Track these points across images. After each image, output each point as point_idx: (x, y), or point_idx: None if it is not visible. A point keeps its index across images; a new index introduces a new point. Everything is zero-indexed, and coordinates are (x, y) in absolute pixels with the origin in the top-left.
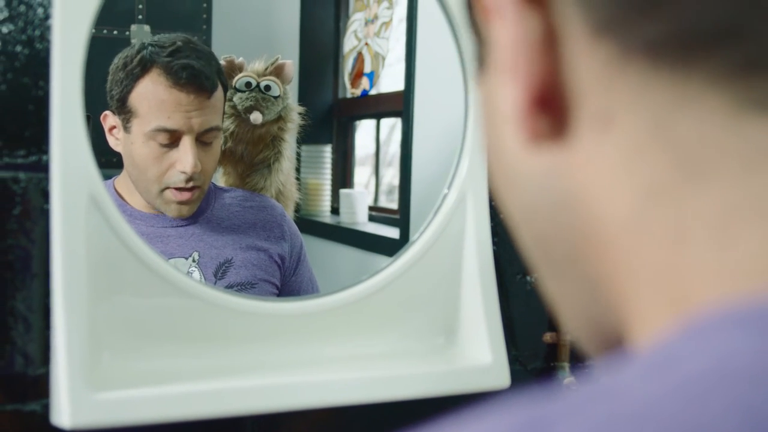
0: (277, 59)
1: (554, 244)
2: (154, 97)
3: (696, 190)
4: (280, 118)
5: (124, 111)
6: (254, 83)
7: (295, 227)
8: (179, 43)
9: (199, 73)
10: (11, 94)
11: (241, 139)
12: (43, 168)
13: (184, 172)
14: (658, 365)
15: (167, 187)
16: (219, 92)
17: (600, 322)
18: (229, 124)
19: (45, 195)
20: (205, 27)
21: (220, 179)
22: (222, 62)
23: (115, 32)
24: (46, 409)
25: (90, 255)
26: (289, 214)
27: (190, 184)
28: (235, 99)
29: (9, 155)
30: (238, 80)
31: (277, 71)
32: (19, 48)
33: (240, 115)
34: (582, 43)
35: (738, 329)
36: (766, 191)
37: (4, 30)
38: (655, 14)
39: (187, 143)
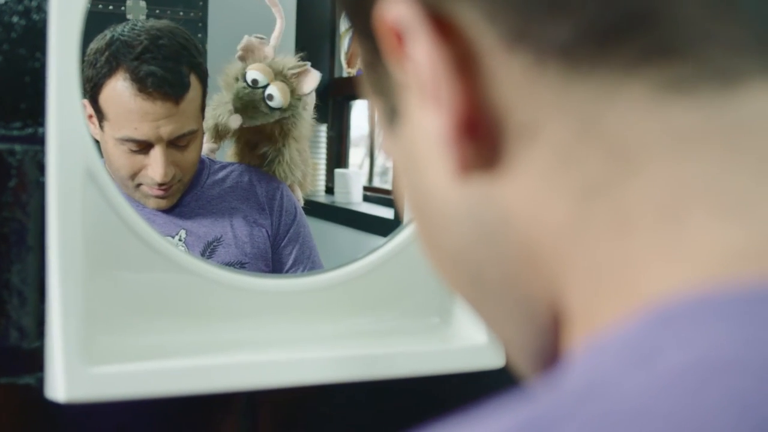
0: (306, 64)
1: (489, 274)
2: (121, 104)
3: (633, 180)
4: (281, 123)
5: (96, 109)
6: (261, 83)
7: (290, 203)
8: (146, 42)
9: (163, 82)
10: (7, 66)
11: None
12: (39, 140)
13: (154, 179)
14: (635, 356)
15: (141, 184)
16: (192, 93)
17: (538, 336)
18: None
19: (41, 168)
20: (201, 3)
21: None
22: (243, 42)
23: (111, 7)
24: (40, 382)
25: (86, 229)
26: (297, 196)
27: (164, 186)
28: (233, 89)
29: (5, 127)
30: (248, 71)
31: (300, 76)
32: (15, 18)
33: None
34: (497, 59)
35: (716, 318)
36: (702, 172)
37: (1, 0)
38: (560, 17)
39: (157, 153)
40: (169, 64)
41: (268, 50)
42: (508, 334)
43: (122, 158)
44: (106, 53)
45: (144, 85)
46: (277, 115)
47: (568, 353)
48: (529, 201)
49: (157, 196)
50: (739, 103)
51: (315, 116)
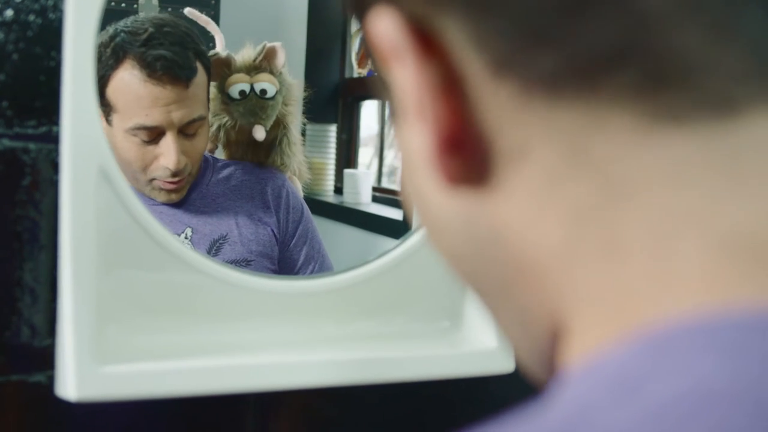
0: (264, 46)
1: (486, 280)
2: (130, 92)
3: (624, 208)
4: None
5: (103, 103)
6: (248, 89)
7: (296, 200)
8: (151, 30)
9: (173, 64)
10: (23, 64)
11: (242, 130)
12: (54, 139)
13: (167, 168)
14: (621, 386)
15: (154, 179)
16: (199, 78)
17: (536, 345)
18: (226, 117)
19: (55, 166)
20: (213, 2)
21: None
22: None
23: (123, 4)
24: (51, 380)
25: (99, 228)
26: (297, 187)
27: (176, 177)
28: (232, 109)
29: (20, 125)
30: (230, 87)
31: (269, 58)
32: (31, 17)
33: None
34: (484, 84)
35: (704, 348)
36: (696, 201)
37: None
38: (546, 48)
39: (169, 140)
40: (176, 48)
41: (227, 57)
42: (512, 336)
43: (133, 150)
44: (111, 45)
45: (153, 69)
46: (279, 101)
47: (563, 371)
48: (521, 221)
49: (169, 190)
50: (737, 132)
51: (305, 109)
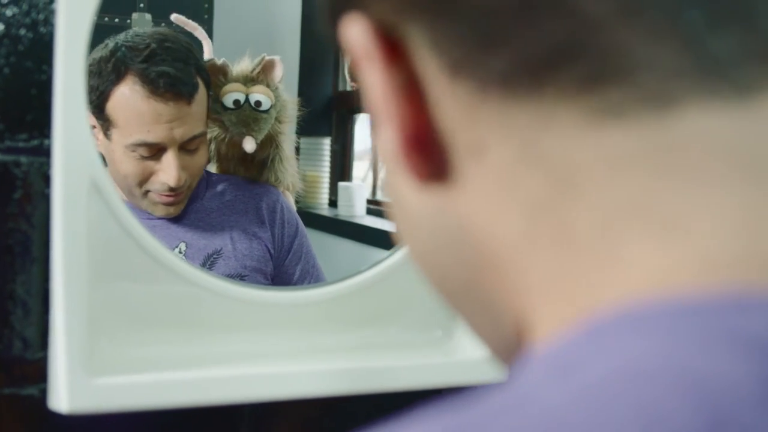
0: (263, 58)
1: (452, 277)
2: (131, 108)
3: (572, 200)
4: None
5: (102, 118)
6: (243, 99)
7: (291, 215)
8: (153, 45)
9: (176, 81)
10: (14, 78)
11: (233, 143)
12: (45, 152)
13: (167, 184)
14: (559, 369)
15: (149, 191)
16: (200, 94)
17: (505, 339)
18: (218, 130)
19: (46, 179)
20: (206, 17)
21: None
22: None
23: (117, 20)
24: (43, 393)
25: (90, 240)
26: (290, 201)
27: (174, 192)
28: (224, 118)
29: (11, 139)
30: (225, 96)
31: (266, 71)
32: (23, 31)
33: (227, 128)
34: (443, 85)
35: (638, 331)
36: (635, 192)
37: (9, 13)
38: (498, 50)
39: (170, 156)
40: (179, 65)
41: (223, 64)
42: (482, 334)
43: (131, 165)
44: (112, 60)
45: (156, 86)
46: (273, 115)
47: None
48: (482, 215)
49: (167, 203)
50: (674, 124)
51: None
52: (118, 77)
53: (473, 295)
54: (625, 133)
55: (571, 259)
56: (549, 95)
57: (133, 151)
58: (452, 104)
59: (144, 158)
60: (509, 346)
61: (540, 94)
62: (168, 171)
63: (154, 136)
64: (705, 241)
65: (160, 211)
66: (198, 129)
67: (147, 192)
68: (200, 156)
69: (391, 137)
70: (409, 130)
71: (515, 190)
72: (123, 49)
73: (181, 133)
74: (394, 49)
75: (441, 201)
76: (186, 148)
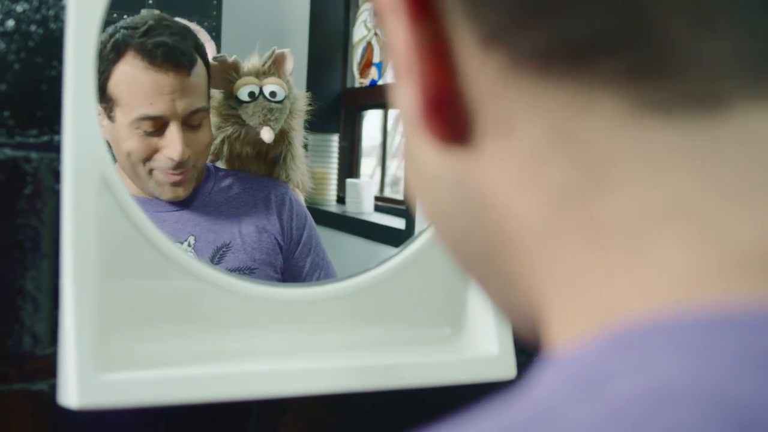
0: (273, 51)
1: (469, 243)
2: (132, 81)
3: (604, 195)
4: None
5: (105, 100)
6: (257, 91)
7: (300, 207)
8: (151, 22)
9: (174, 49)
10: (25, 74)
11: (248, 141)
12: (55, 148)
13: (172, 159)
14: (586, 384)
15: (153, 169)
16: (199, 68)
17: (519, 310)
18: (232, 128)
19: (56, 175)
20: (215, 13)
21: None
22: (214, 62)
23: (125, 16)
24: (53, 389)
25: (100, 236)
26: (300, 198)
27: (180, 169)
28: (240, 112)
29: (21, 134)
30: (239, 89)
31: (277, 64)
32: (33, 27)
33: (244, 123)
34: (473, 53)
35: (668, 346)
36: (673, 194)
37: (19, 9)
38: (537, 25)
39: (173, 130)
40: (176, 37)
41: (234, 61)
42: (497, 300)
43: (135, 142)
44: (111, 41)
45: (155, 56)
46: (288, 106)
47: (540, 358)
48: (504, 191)
49: (173, 183)
50: (722, 126)
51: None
52: (117, 55)
53: (489, 264)
54: (669, 131)
55: (597, 257)
56: (588, 81)
57: (137, 127)
58: (481, 74)
59: (148, 134)
60: (523, 317)
61: (578, 79)
62: (172, 146)
63: (157, 108)
64: (744, 252)
65: (168, 193)
66: (200, 102)
67: (151, 171)
68: (204, 133)
69: (412, 96)
70: (431, 90)
71: (542, 174)
72: (122, 30)
73: (183, 105)
74: (423, 5)
75: (461, 165)
76: (189, 123)
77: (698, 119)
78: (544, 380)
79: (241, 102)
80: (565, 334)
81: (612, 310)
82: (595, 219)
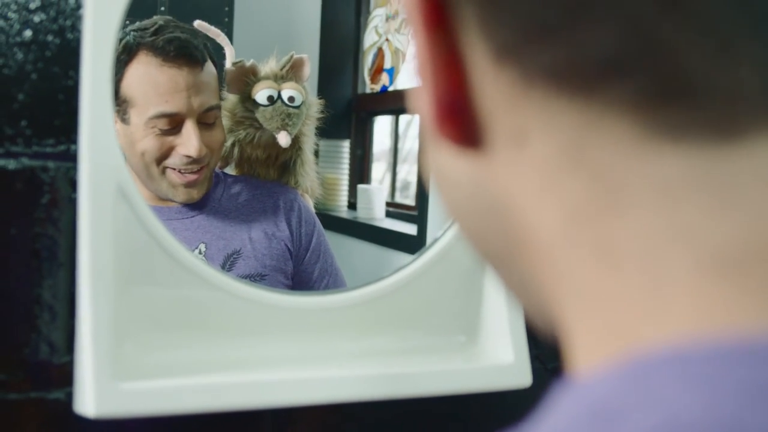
0: (292, 56)
1: (488, 242)
2: (147, 80)
3: (618, 216)
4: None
5: (118, 102)
6: (276, 95)
7: (309, 214)
8: (161, 23)
9: (186, 44)
10: (42, 83)
11: (259, 145)
12: (72, 157)
13: (188, 156)
14: (606, 417)
15: (168, 168)
16: (210, 66)
17: (538, 306)
18: (245, 131)
19: (73, 184)
20: (227, 20)
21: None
22: (231, 68)
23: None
24: (69, 397)
25: (116, 245)
26: (309, 204)
27: (196, 166)
28: (257, 115)
29: (38, 144)
30: (258, 92)
31: (296, 69)
32: (50, 37)
33: (258, 127)
34: (486, 67)
35: (682, 379)
36: (684, 221)
37: (36, 19)
38: (549, 43)
39: (189, 127)
40: (186, 34)
41: (252, 65)
42: (517, 294)
43: (151, 141)
44: (122, 43)
45: (168, 52)
46: (305, 112)
47: (555, 368)
48: (520, 200)
49: (187, 184)
50: (737, 153)
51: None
52: (129, 56)
53: (509, 263)
54: (683, 158)
55: (613, 282)
56: (600, 101)
57: (153, 126)
58: (493, 87)
59: (163, 133)
60: (541, 314)
61: (590, 98)
62: (188, 143)
63: (173, 105)
64: (758, 281)
65: (181, 195)
66: (213, 100)
67: (165, 171)
68: (218, 131)
69: (428, 99)
70: (444, 98)
71: (556, 189)
72: (131, 33)
73: (198, 102)
74: (438, 18)
75: (477, 169)
76: (203, 121)
77: (713, 146)
78: (563, 407)
79: (258, 105)
80: (585, 358)
81: (629, 338)
82: (610, 240)
